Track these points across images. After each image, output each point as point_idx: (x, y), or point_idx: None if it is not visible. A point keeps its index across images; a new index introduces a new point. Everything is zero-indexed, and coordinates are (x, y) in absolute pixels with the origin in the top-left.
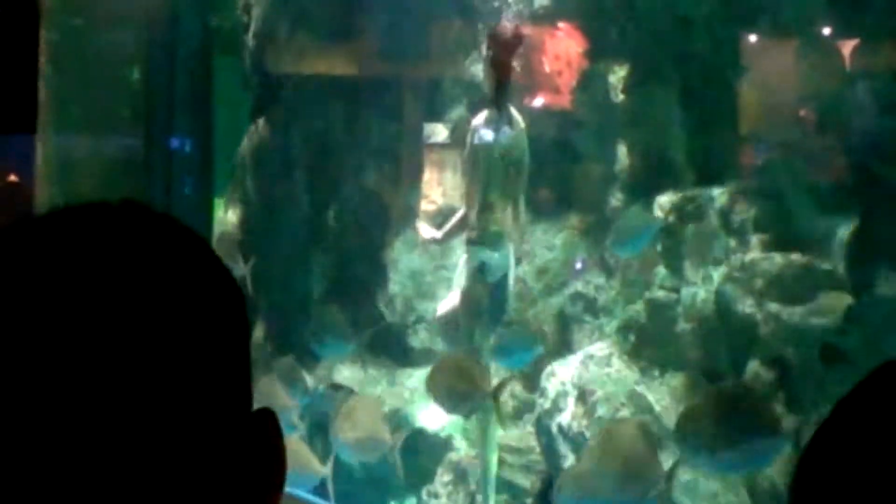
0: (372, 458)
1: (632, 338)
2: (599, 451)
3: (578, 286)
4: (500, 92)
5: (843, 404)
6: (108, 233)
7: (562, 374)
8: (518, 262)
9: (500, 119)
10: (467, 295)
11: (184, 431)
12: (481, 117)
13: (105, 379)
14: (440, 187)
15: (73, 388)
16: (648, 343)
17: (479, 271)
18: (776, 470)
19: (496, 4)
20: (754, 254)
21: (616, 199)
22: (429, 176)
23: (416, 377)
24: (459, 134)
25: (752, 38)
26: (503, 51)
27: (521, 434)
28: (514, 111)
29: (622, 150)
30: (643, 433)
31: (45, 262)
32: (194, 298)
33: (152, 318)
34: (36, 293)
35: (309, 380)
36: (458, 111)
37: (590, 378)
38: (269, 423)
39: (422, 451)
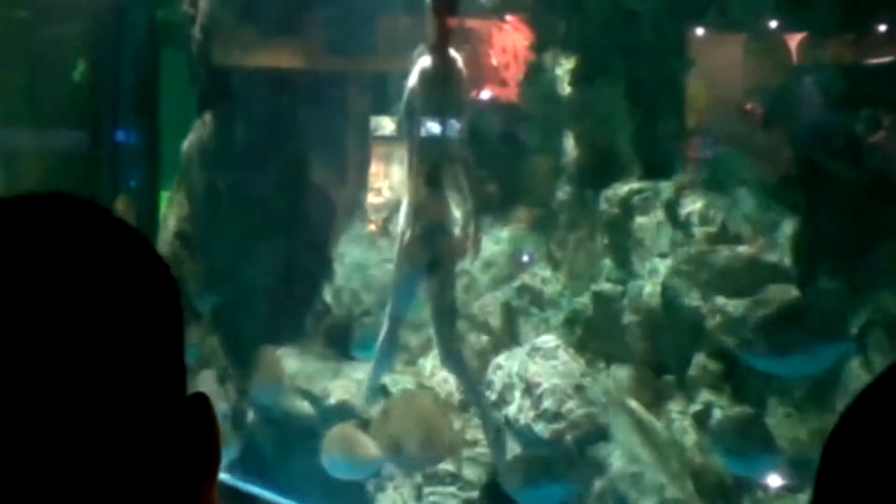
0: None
1: (578, 330)
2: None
3: (525, 279)
4: (441, 38)
5: (869, 391)
6: (36, 224)
7: (508, 367)
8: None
9: (443, 66)
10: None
11: (115, 416)
12: (423, 63)
13: (35, 365)
14: (387, 180)
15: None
16: (595, 336)
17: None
18: (719, 464)
19: None
20: (700, 247)
21: (563, 192)
22: (375, 169)
23: (363, 370)
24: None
25: (699, 31)
26: None
27: (467, 426)
28: (457, 59)
29: (569, 143)
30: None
31: None
32: (124, 286)
33: (81, 306)
34: None
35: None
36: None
37: (536, 370)
38: (202, 408)
39: None
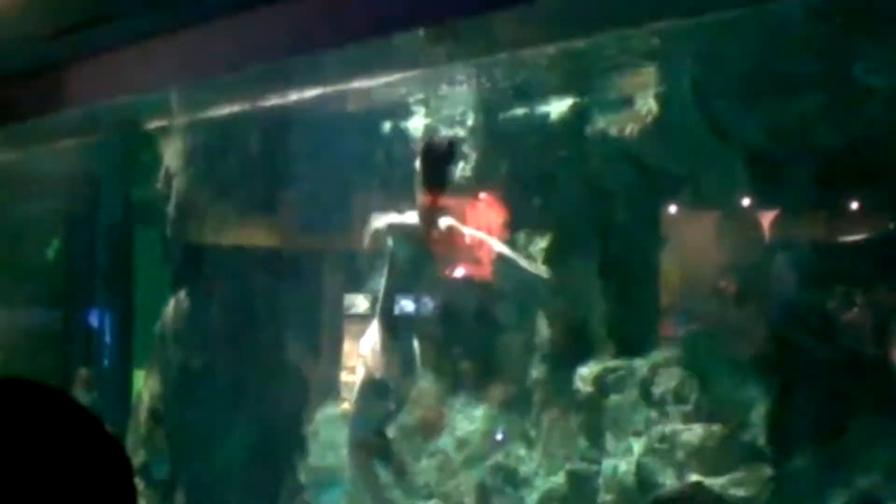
0: None
1: None
2: None
3: (499, 458)
4: (429, 215)
5: None
6: None
7: None
8: None
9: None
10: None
11: None
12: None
13: None
14: (360, 359)
15: None
16: None
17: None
18: None
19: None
20: (675, 425)
21: (537, 370)
22: (349, 347)
23: None
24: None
25: (673, 209)
26: (436, 164)
27: None
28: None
29: (543, 321)
30: None
31: None
32: (73, 468)
33: (33, 489)
34: None
35: None
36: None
37: None
38: None
39: None
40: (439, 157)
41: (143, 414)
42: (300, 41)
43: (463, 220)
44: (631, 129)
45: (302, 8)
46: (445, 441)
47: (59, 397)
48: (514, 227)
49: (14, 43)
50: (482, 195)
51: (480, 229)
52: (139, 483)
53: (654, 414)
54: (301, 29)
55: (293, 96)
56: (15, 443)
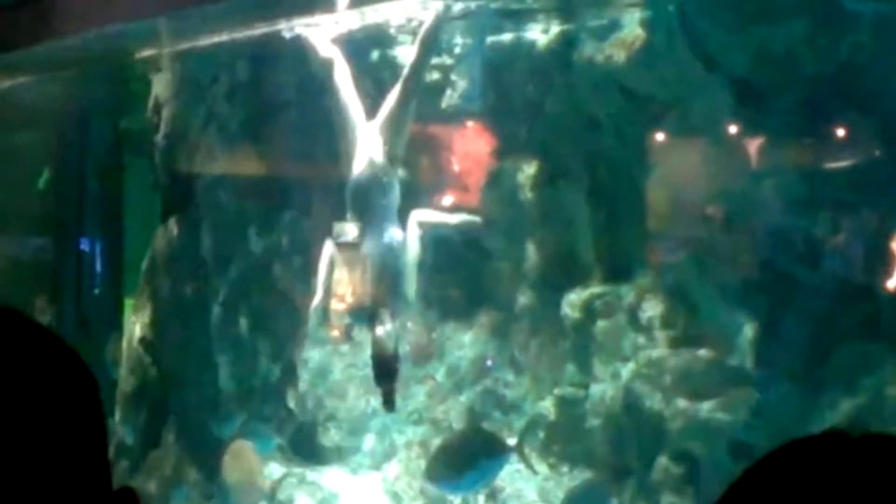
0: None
1: (541, 434)
2: None
3: (488, 383)
4: None
5: (749, 473)
6: None
7: None
8: None
9: None
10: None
11: None
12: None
13: None
14: (350, 286)
15: None
16: (557, 439)
17: None
18: None
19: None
20: (662, 350)
21: (525, 296)
22: (339, 275)
23: (327, 476)
24: None
25: (660, 136)
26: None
27: None
28: None
29: (531, 248)
30: None
31: None
32: (44, 389)
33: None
34: None
35: None
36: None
37: (500, 475)
38: (130, 501)
39: None
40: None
41: (133, 342)
42: None
43: (451, 149)
44: (618, 55)
45: None
46: (435, 368)
47: (12, 314)
48: (501, 154)
49: None
50: (469, 123)
51: (468, 157)
52: (130, 409)
53: (641, 339)
54: None
55: (282, 25)
56: None
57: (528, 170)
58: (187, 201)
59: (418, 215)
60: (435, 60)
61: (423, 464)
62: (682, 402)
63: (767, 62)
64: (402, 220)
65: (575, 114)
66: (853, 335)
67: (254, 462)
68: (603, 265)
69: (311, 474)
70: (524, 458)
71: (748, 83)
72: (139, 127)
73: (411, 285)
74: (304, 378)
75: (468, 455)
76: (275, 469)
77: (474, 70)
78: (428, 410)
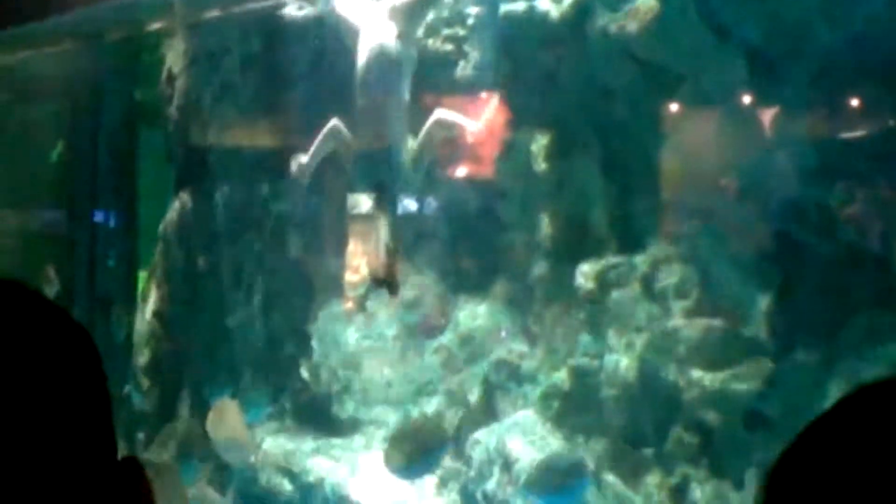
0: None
1: (555, 405)
2: None
3: (502, 354)
4: None
5: (815, 425)
6: None
7: (486, 442)
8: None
9: None
10: None
11: (45, 480)
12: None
13: None
14: (364, 257)
15: None
16: (572, 410)
17: None
18: None
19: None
20: (676, 320)
21: (539, 267)
22: (353, 247)
23: (342, 447)
24: None
25: (674, 107)
26: None
27: (448, 502)
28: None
29: (545, 219)
30: None
31: None
32: (46, 359)
33: (6, 379)
34: None
35: None
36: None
37: (514, 446)
38: (134, 470)
39: None
40: None
41: (148, 315)
42: None
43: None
44: (631, 26)
45: None
46: (449, 338)
47: (14, 287)
48: (515, 125)
49: None
50: (482, 94)
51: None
52: (144, 381)
53: (655, 310)
54: None
55: None
56: None
57: (542, 140)
58: (201, 173)
59: (440, 113)
60: (447, 31)
61: None
62: (696, 373)
63: (781, 32)
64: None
65: (588, 84)
66: (868, 305)
67: (237, 420)
68: (616, 235)
69: (325, 445)
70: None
71: (762, 53)
72: (152, 98)
73: (413, 170)
74: (318, 349)
75: (419, 445)
76: (289, 440)
77: (487, 41)
78: (442, 381)
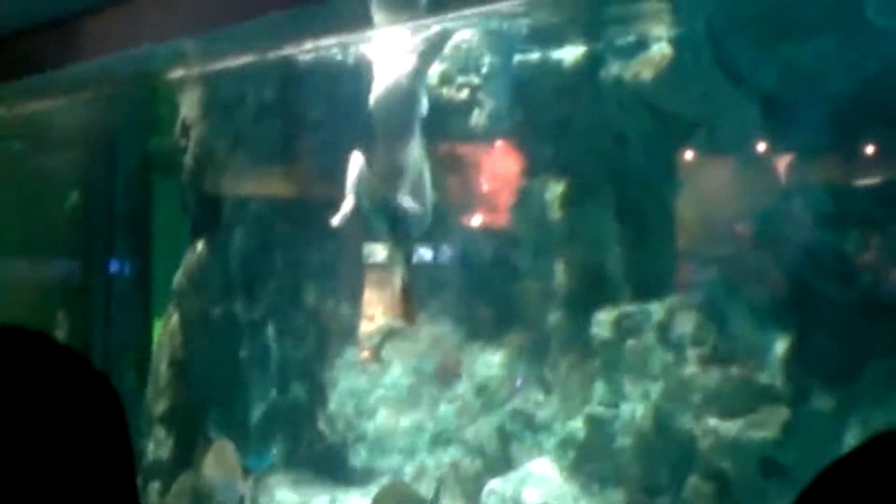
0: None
1: (571, 454)
2: None
3: (518, 403)
4: None
5: (834, 467)
6: None
7: (502, 491)
8: None
9: None
10: None
11: None
12: None
13: None
14: (379, 306)
15: None
16: (588, 459)
17: None
18: None
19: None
20: (692, 368)
21: (555, 315)
22: (368, 295)
23: (358, 496)
24: None
25: (688, 154)
26: None
27: None
28: None
29: (559, 267)
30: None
31: None
32: (66, 409)
33: (25, 429)
34: None
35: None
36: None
37: (530, 495)
38: None
39: None
40: None
41: (163, 363)
42: None
43: (479, 168)
44: (645, 73)
45: None
46: (464, 387)
47: (41, 339)
48: (529, 173)
49: None
50: (497, 142)
51: (496, 177)
52: (160, 431)
53: (670, 358)
54: None
55: (308, 45)
56: (14, 388)
57: (556, 188)
58: (216, 222)
59: None
60: (462, 79)
61: (453, 484)
62: (712, 421)
63: (796, 78)
64: None
65: (602, 132)
66: (884, 352)
67: (233, 461)
68: (632, 283)
69: (341, 496)
70: None
71: (776, 100)
72: (167, 148)
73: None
74: (334, 398)
75: None
76: (304, 491)
77: (501, 89)
78: (458, 431)
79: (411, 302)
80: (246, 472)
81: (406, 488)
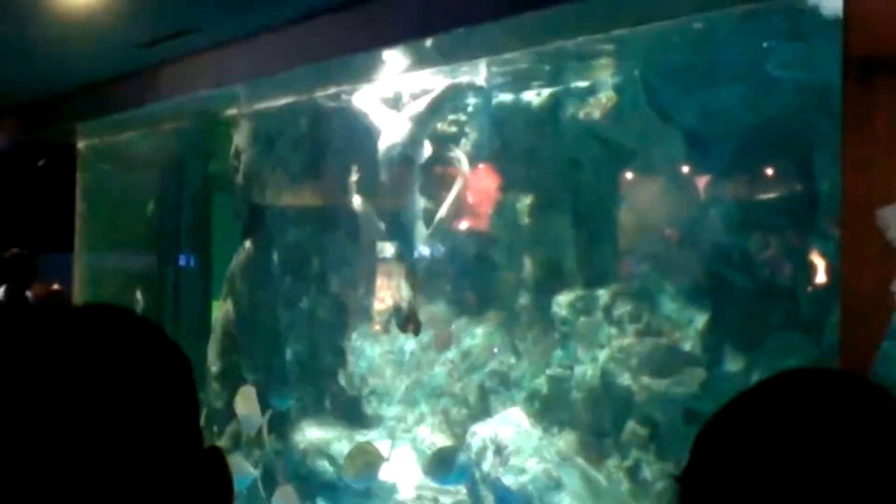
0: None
1: (537, 404)
2: None
3: (495, 365)
4: None
5: (739, 398)
6: (84, 325)
7: (482, 433)
8: None
9: None
10: None
11: (145, 470)
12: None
13: (76, 431)
14: (389, 291)
15: (52, 438)
16: (550, 408)
17: None
18: None
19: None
20: (630, 339)
21: (524, 298)
22: (380, 283)
23: (368, 436)
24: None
25: (628, 175)
26: None
27: None
28: None
29: (528, 261)
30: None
31: (36, 343)
32: (145, 367)
33: (113, 384)
34: (23, 367)
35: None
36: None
37: (504, 436)
38: (217, 458)
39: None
40: None
41: (219, 335)
42: (338, 47)
43: (465, 185)
44: (595, 112)
45: (340, 20)
46: (453, 353)
47: (125, 313)
48: (505, 189)
49: (120, 50)
50: (480, 165)
51: (480, 192)
52: (216, 386)
53: (614, 331)
54: (339, 37)
55: (332, 90)
56: (99, 350)
57: (526, 200)
58: (260, 226)
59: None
60: (452, 117)
61: (445, 429)
62: (646, 380)
63: (711, 117)
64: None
65: (562, 157)
66: (779, 326)
67: (254, 400)
68: (584, 274)
69: (357, 436)
70: None
71: (696, 133)
72: (223, 169)
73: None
74: (352, 361)
75: (447, 461)
76: (328, 430)
77: (483, 124)
78: (448, 386)
79: (416, 322)
80: (266, 408)
81: (370, 446)
